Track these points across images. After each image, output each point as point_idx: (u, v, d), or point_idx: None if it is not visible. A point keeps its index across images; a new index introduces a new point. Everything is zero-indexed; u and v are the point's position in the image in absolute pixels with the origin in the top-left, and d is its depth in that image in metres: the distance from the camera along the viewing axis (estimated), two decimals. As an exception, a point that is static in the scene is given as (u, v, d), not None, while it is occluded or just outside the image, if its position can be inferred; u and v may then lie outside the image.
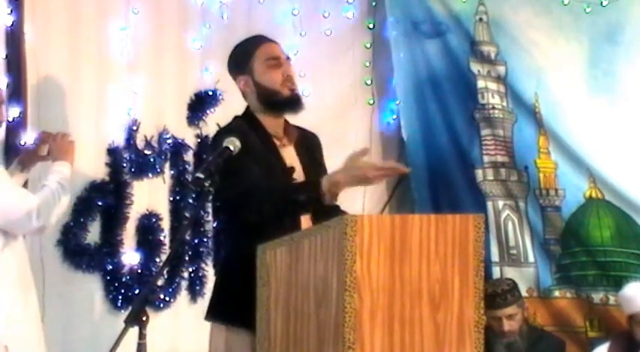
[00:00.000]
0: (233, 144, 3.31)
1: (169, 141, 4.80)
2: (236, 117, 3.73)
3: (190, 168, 4.83)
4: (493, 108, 5.68)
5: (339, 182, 3.39)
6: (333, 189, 3.40)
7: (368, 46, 5.71)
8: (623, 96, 5.56)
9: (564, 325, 5.56)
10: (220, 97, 4.92)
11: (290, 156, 3.66)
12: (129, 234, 4.64)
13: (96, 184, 4.55)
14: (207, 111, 4.93)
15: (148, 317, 2.87)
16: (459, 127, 5.70)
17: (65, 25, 4.50)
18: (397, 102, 5.71)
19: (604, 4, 5.59)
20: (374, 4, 5.73)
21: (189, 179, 4.74)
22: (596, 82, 5.60)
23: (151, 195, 4.73)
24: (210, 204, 4.54)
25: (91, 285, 4.54)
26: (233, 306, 3.52)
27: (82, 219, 4.48)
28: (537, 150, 5.66)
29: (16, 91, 4.25)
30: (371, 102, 5.73)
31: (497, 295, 4.86)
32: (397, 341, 3.05)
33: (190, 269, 4.83)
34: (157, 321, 4.52)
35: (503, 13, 5.68)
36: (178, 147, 4.83)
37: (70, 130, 4.27)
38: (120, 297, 4.55)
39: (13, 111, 4.21)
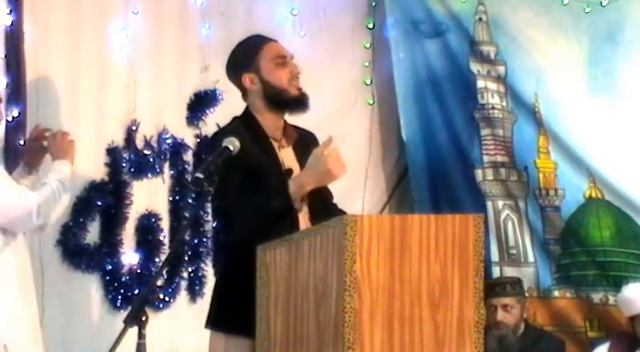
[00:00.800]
0: (233, 144, 3.31)
1: (169, 141, 4.80)
2: (234, 118, 3.73)
3: (190, 168, 4.82)
4: (493, 108, 5.68)
5: (305, 183, 3.39)
6: (301, 191, 3.40)
7: (367, 46, 5.71)
8: (623, 96, 5.56)
9: (564, 325, 5.56)
10: (220, 97, 4.92)
11: (288, 157, 3.65)
12: (128, 234, 4.64)
13: (95, 184, 4.55)
14: (207, 111, 4.93)
15: (147, 317, 2.87)
16: (459, 127, 5.70)
17: (65, 24, 4.50)
18: (397, 102, 5.71)
19: (604, 3, 5.59)
20: (374, 4, 5.73)
21: (189, 179, 4.73)
22: (595, 81, 5.60)
23: (150, 195, 4.73)
24: (209, 204, 4.54)
25: (91, 285, 4.54)
26: (232, 314, 3.52)
27: (81, 219, 4.48)
28: (537, 150, 5.66)
29: (16, 91, 4.25)
30: (370, 102, 5.73)
31: (497, 284, 4.95)
32: (397, 341, 3.05)
33: (190, 270, 4.83)
34: (157, 321, 4.51)
35: (502, 12, 5.68)
36: (178, 147, 4.83)
37: (69, 130, 4.26)
38: (119, 297, 4.55)
39: (13, 111, 4.21)
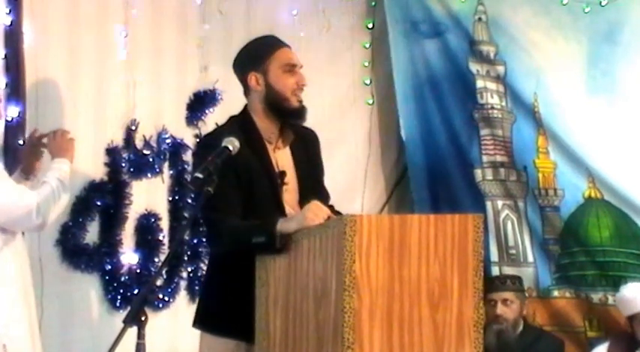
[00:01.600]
0: (232, 144, 3.31)
1: (168, 141, 4.80)
2: (231, 118, 3.72)
3: (189, 168, 4.82)
4: (492, 108, 5.68)
5: (292, 229, 3.32)
6: (285, 231, 3.33)
7: (367, 45, 5.72)
8: (622, 95, 5.57)
9: (563, 325, 5.56)
10: (219, 97, 4.92)
11: (284, 159, 3.62)
12: (128, 234, 4.64)
13: (95, 184, 4.55)
14: (206, 111, 4.93)
15: (146, 317, 2.87)
16: (458, 127, 5.71)
17: (64, 24, 4.49)
18: (396, 102, 5.71)
19: (603, 4, 5.59)
20: (373, 4, 5.73)
21: (188, 179, 4.73)
22: (595, 81, 5.60)
23: (149, 195, 4.73)
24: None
25: (90, 285, 4.53)
26: (215, 314, 3.53)
27: (80, 219, 4.47)
28: (536, 150, 5.66)
29: (15, 91, 4.25)
30: (370, 102, 5.73)
31: (497, 279, 4.98)
32: (396, 340, 3.05)
33: (189, 269, 4.83)
34: (156, 321, 4.51)
35: (502, 12, 5.68)
36: (177, 147, 4.83)
37: (68, 130, 4.27)
38: (119, 297, 4.55)
39: (12, 111, 4.21)
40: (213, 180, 3.14)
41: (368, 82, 5.72)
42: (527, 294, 5.39)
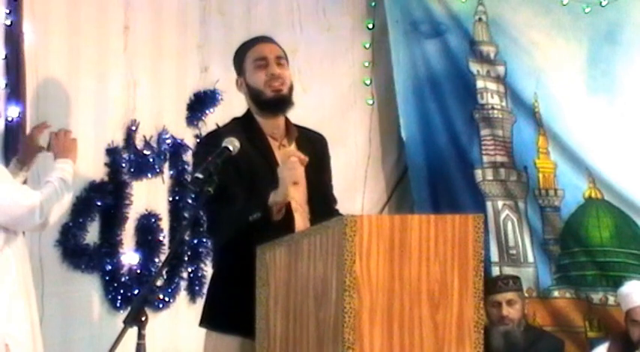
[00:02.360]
0: (232, 144, 3.31)
1: (168, 141, 4.80)
2: (233, 119, 3.74)
3: (189, 169, 4.82)
4: (492, 108, 5.68)
5: (282, 195, 3.36)
6: (282, 201, 3.37)
7: (367, 46, 5.72)
8: (623, 96, 5.56)
9: (563, 325, 5.56)
10: (219, 97, 4.92)
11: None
12: (128, 234, 4.64)
13: (95, 184, 4.55)
14: (207, 112, 4.93)
15: (147, 318, 2.87)
16: (459, 127, 5.71)
17: (64, 24, 4.49)
18: (396, 103, 5.71)
19: (603, 4, 5.59)
20: (373, 4, 5.73)
21: (189, 179, 4.74)
22: (595, 81, 5.60)
23: (150, 195, 4.73)
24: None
25: (90, 285, 4.54)
26: (223, 313, 3.54)
27: (81, 219, 4.47)
28: (537, 150, 5.66)
29: (16, 91, 4.25)
30: (370, 102, 5.73)
31: (499, 279, 4.98)
32: (396, 341, 3.05)
33: (189, 270, 4.83)
34: (156, 322, 4.52)
35: (502, 13, 5.68)
36: (177, 147, 4.83)
37: (71, 130, 4.27)
38: (119, 297, 4.55)
39: (13, 111, 4.21)
40: (213, 180, 3.15)
41: (368, 82, 5.72)
42: (527, 294, 5.40)
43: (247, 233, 3.38)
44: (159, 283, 4.67)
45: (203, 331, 3.65)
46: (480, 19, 5.68)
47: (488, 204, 5.65)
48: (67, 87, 4.47)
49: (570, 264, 5.61)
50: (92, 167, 4.55)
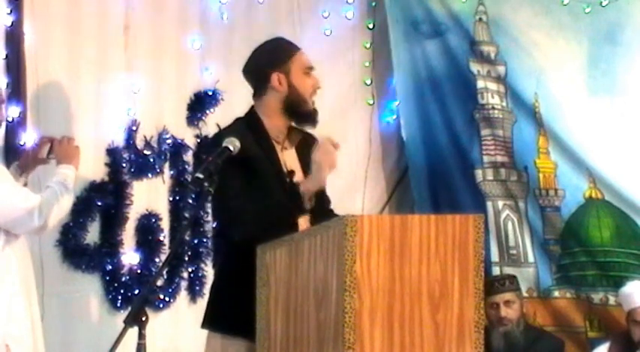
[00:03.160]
0: (233, 144, 3.31)
1: (169, 141, 4.80)
2: (237, 119, 3.73)
3: (190, 169, 4.83)
4: (493, 108, 5.68)
5: (320, 183, 3.46)
6: (313, 188, 3.45)
7: (367, 46, 5.72)
8: (623, 96, 5.56)
9: (564, 325, 5.56)
10: (220, 97, 4.92)
11: (291, 159, 3.64)
12: (128, 234, 4.64)
13: (95, 184, 4.55)
14: (207, 112, 4.93)
15: (147, 318, 2.86)
16: (459, 127, 5.70)
17: (65, 25, 4.50)
18: (397, 103, 5.71)
19: (603, 4, 5.59)
20: (373, 4, 5.73)
21: (189, 179, 4.74)
22: (595, 82, 5.60)
23: (150, 195, 4.73)
24: (209, 204, 4.53)
25: (91, 285, 4.54)
26: (229, 315, 3.52)
27: (81, 219, 4.48)
28: (537, 150, 5.66)
29: (16, 91, 4.25)
30: (370, 102, 5.73)
31: (496, 280, 4.98)
32: (397, 341, 3.05)
33: (190, 270, 4.83)
34: (157, 322, 4.52)
35: (502, 13, 5.68)
36: (178, 147, 4.83)
37: (69, 130, 4.28)
38: (119, 297, 4.55)
39: (13, 111, 4.21)
40: (213, 180, 3.15)
41: (368, 82, 5.72)
42: (527, 294, 5.40)
43: (277, 221, 3.42)
44: (159, 283, 4.67)
45: (203, 331, 3.64)
46: (480, 19, 5.68)
47: (489, 204, 5.65)
48: (67, 87, 4.48)
49: (571, 264, 5.60)
50: (92, 167, 4.55)
